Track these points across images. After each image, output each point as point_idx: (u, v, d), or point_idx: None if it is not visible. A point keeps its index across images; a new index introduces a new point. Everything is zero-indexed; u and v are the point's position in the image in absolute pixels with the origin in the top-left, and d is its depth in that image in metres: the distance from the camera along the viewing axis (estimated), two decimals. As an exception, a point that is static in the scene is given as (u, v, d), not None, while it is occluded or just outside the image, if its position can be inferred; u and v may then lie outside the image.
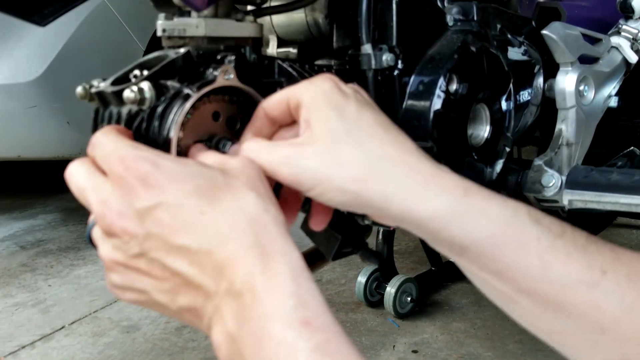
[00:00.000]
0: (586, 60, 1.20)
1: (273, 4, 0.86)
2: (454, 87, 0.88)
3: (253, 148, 0.47)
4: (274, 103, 0.49)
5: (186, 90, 0.58)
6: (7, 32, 1.96)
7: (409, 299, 1.55)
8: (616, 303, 0.35)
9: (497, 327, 1.49)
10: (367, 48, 0.85)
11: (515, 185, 1.09)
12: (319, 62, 0.89)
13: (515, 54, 1.08)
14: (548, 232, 0.39)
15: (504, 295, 0.40)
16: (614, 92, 1.25)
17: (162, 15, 0.67)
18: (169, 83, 0.58)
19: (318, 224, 0.49)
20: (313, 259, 0.82)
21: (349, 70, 0.87)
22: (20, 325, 1.60)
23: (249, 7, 0.74)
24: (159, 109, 0.57)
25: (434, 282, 1.71)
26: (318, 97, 0.44)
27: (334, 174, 0.41)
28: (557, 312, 0.37)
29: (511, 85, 1.00)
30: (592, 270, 0.37)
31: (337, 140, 0.42)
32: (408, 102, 0.87)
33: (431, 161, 0.42)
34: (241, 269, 0.35)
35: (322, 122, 0.43)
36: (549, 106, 1.16)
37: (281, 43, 0.98)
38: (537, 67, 1.15)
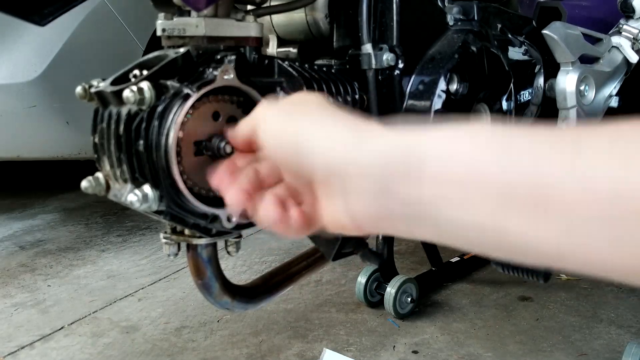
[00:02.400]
0: (587, 60, 1.19)
1: (273, 3, 0.85)
2: (454, 86, 0.88)
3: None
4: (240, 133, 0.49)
5: (186, 90, 0.57)
6: (7, 32, 1.96)
7: (409, 299, 1.54)
8: (603, 179, 0.30)
9: (498, 327, 1.49)
10: (367, 48, 0.85)
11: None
12: (319, 61, 0.89)
13: (515, 53, 1.08)
14: (503, 128, 0.35)
15: (485, 229, 0.35)
16: (614, 92, 1.25)
17: (162, 15, 0.67)
18: (169, 83, 0.58)
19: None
20: (313, 260, 0.82)
21: (349, 70, 0.86)
22: (19, 326, 1.60)
23: (249, 7, 0.74)
24: (159, 109, 0.57)
25: (434, 282, 1.71)
26: (264, 113, 0.47)
27: (276, 120, 0.44)
28: (552, 213, 0.32)
29: (512, 85, 1.00)
30: (565, 153, 0.32)
31: (298, 103, 0.45)
32: (408, 102, 0.87)
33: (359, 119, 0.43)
34: None
35: (291, 99, 0.47)
36: (549, 106, 1.16)
37: (281, 43, 0.97)
38: (537, 67, 1.15)
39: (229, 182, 0.47)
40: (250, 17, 0.69)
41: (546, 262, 0.34)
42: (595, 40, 1.25)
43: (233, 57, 0.63)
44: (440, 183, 0.35)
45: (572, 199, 0.31)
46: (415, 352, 1.39)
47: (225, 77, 0.60)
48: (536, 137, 0.34)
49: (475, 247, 0.36)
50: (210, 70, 0.61)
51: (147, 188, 0.57)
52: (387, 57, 0.85)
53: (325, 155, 0.40)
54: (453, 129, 0.36)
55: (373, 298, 1.61)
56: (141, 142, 0.57)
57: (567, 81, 1.12)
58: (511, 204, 0.33)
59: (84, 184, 0.62)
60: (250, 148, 0.49)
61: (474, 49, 0.91)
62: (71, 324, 1.61)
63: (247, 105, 0.64)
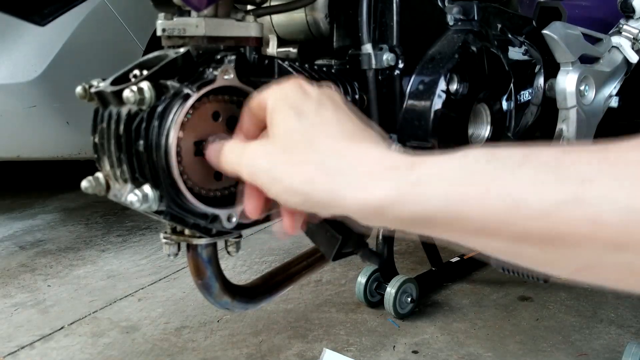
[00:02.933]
0: (587, 60, 1.20)
1: (273, 3, 0.85)
2: (454, 86, 0.88)
3: (216, 148, 0.51)
4: (255, 104, 0.49)
5: (186, 90, 0.57)
6: (7, 32, 1.96)
7: (409, 299, 1.54)
8: (612, 210, 0.30)
9: (498, 327, 1.49)
10: (367, 48, 0.85)
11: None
12: (319, 61, 0.89)
13: (516, 53, 1.08)
14: (508, 164, 0.35)
15: (503, 252, 0.37)
16: (614, 92, 1.25)
17: (162, 15, 0.66)
18: (169, 83, 0.58)
19: (290, 229, 0.48)
20: (313, 260, 0.81)
21: (349, 70, 0.86)
22: (19, 326, 1.60)
23: (249, 7, 0.74)
24: (159, 109, 0.57)
25: (434, 282, 1.71)
26: (280, 99, 0.46)
27: (285, 175, 0.42)
28: (565, 247, 0.32)
29: (512, 85, 1.00)
30: (569, 184, 0.32)
31: (291, 140, 0.43)
32: (409, 102, 0.87)
33: (382, 146, 0.42)
34: None
35: (280, 122, 0.44)
36: (549, 106, 1.16)
37: (281, 43, 0.97)
38: (537, 67, 1.15)
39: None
40: (250, 17, 0.69)
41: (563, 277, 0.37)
42: (595, 40, 1.25)
43: (233, 57, 0.63)
44: (454, 236, 0.38)
45: (583, 232, 0.31)
46: (415, 352, 1.39)
47: (225, 77, 0.60)
48: (540, 169, 0.34)
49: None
50: (210, 70, 0.61)
51: (147, 188, 0.57)
52: (387, 57, 0.85)
53: (343, 211, 0.40)
54: (458, 173, 0.37)
55: (373, 298, 1.61)
56: (141, 142, 0.57)
57: (567, 81, 1.12)
58: (524, 242, 0.34)
59: (84, 184, 0.62)
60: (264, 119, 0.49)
61: (474, 49, 0.91)
62: (71, 324, 1.61)
63: (247, 105, 0.64)
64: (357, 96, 0.82)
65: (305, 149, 0.42)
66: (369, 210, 0.39)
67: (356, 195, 0.39)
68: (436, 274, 1.71)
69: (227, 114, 0.62)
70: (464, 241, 0.38)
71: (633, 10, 1.25)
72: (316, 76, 0.76)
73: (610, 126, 1.28)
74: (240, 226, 0.66)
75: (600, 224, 0.30)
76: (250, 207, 0.49)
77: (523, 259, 0.36)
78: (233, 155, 0.48)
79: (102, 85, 0.61)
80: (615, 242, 0.30)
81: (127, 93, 0.55)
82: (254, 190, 0.48)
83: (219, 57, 0.63)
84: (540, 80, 1.15)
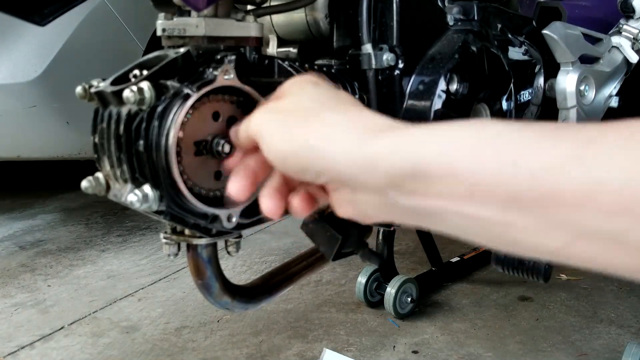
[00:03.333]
0: (587, 60, 1.20)
1: (273, 3, 0.85)
2: (454, 86, 0.88)
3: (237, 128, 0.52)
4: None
5: (186, 90, 0.57)
6: (7, 32, 1.96)
7: (409, 299, 1.54)
8: (613, 171, 0.29)
9: (498, 327, 1.49)
10: (367, 48, 0.85)
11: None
12: (319, 61, 0.89)
13: (516, 53, 1.08)
14: (508, 126, 0.34)
15: (494, 222, 0.34)
16: (614, 92, 1.25)
17: (162, 15, 0.66)
18: (169, 83, 0.58)
19: (273, 211, 0.48)
20: (313, 260, 0.81)
21: (349, 70, 0.86)
22: (19, 326, 1.60)
23: (249, 7, 0.74)
24: (159, 109, 0.57)
25: (434, 282, 1.71)
26: (295, 81, 0.49)
27: (285, 131, 0.43)
28: (559, 211, 0.30)
29: (512, 85, 1.00)
30: (570, 143, 0.31)
31: (299, 106, 0.45)
32: (409, 102, 0.87)
33: (377, 114, 0.43)
34: None
35: (289, 94, 0.47)
36: (549, 106, 1.16)
37: (281, 43, 0.97)
38: (537, 67, 1.15)
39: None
40: (250, 17, 0.69)
41: (552, 258, 0.34)
42: (595, 40, 1.25)
43: (233, 57, 0.63)
44: (447, 197, 0.36)
45: (581, 197, 0.30)
46: (415, 352, 1.39)
47: (226, 77, 0.60)
48: (540, 132, 0.33)
49: (481, 240, 0.37)
50: (211, 70, 0.61)
51: (147, 188, 0.57)
52: (387, 57, 0.85)
53: (334, 169, 0.40)
54: (456, 132, 0.36)
55: (373, 298, 1.61)
56: (141, 142, 0.57)
57: (567, 81, 1.12)
58: (518, 205, 0.33)
59: (84, 184, 0.62)
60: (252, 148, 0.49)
61: (474, 49, 0.91)
62: (71, 324, 1.61)
63: (247, 105, 0.64)
64: (357, 96, 0.82)
65: (308, 114, 0.44)
66: (360, 163, 0.38)
67: (350, 148, 0.39)
68: (436, 274, 1.71)
69: (227, 114, 0.62)
70: (455, 208, 0.36)
71: (633, 10, 1.25)
72: (316, 76, 0.76)
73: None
74: (240, 226, 0.66)
75: (600, 185, 0.29)
76: (236, 186, 0.49)
77: (513, 231, 0.34)
78: (246, 120, 0.49)
79: (102, 85, 0.61)
80: (612, 207, 0.29)
81: (127, 93, 0.55)
82: (243, 170, 0.49)
83: (219, 57, 0.63)
84: (540, 80, 1.15)
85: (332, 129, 0.41)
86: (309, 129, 0.42)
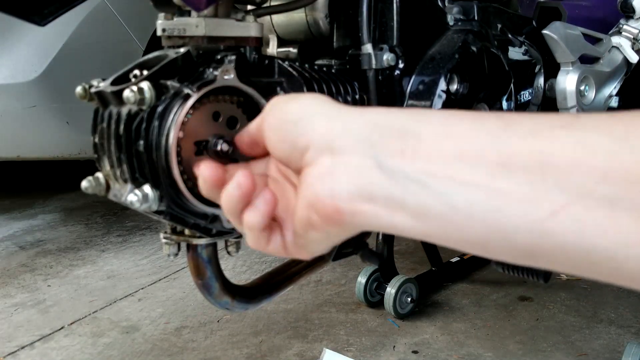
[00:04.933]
0: (587, 60, 1.20)
1: (273, 3, 0.85)
2: (454, 86, 0.88)
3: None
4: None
5: (186, 90, 0.57)
6: (7, 32, 1.96)
7: (409, 299, 1.54)
8: (602, 136, 0.31)
9: (498, 327, 1.49)
10: (367, 48, 0.85)
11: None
12: (319, 61, 0.89)
13: (516, 53, 1.08)
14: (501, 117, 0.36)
15: (478, 187, 0.34)
16: (614, 92, 1.25)
17: (162, 15, 0.67)
18: (169, 83, 0.58)
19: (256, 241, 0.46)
20: (313, 260, 0.81)
21: (349, 70, 0.86)
22: (19, 326, 1.60)
23: (249, 7, 0.74)
24: (159, 109, 0.57)
25: (434, 282, 1.71)
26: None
27: (274, 103, 0.44)
28: (554, 174, 0.32)
29: (512, 85, 1.00)
30: (562, 118, 0.33)
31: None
32: (409, 102, 0.87)
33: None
34: None
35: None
36: (549, 106, 1.16)
37: (281, 43, 0.97)
38: (537, 67, 1.15)
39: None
40: (250, 17, 0.69)
41: (537, 230, 0.32)
42: (595, 40, 1.25)
43: (233, 57, 0.63)
44: (435, 160, 0.35)
45: (571, 164, 0.31)
46: (415, 352, 1.39)
47: (226, 77, 0.60)
48: (533, 116, 0.34)
49: (459, 226, 0.35)
50: (211, 70, 0.61)
51: (147, 188, 0.57)
52: (387, 57, 0.85)
53: (323, 126, 0.40)
54: (449, 111, 0.38)
55: (373, 298, 1.61)
56: (141, 142, 0.57)
57: (567, 81, 1.12)
58: (507, 171, 0.33)
59: (84, 184, 0.62)
60: (255, 151, 0.48)
61: (474, 49, 0.91)
62: (71, 324, 1.61)
63: (247, 105, 0.64)
64: (357, 96, 0.82)
65: (303, 98, 0.44)
66: (357, 130, 0.38)
67: (331, 114, 0.40)
68: (436, 274, 1.71)
69: (228, 114, 0.62)
70: (443, 172, 0.35)
71: (633, 10, 1.25)
72: (316, 76, 0.76)
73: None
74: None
75: (591, 149, 0.31)
76: (206, 168, 0.46)
77: (498, 197, 0.33)
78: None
79: (102, 85, 0.61)
80: (602, 172, 0.30)
81: (127, 93, 0.55)
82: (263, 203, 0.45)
83: (219, 57, 0.63)
84: (540, 80, 1.15)
85: (334, 103, 0.42)
86: (312, 99, 0.43)
